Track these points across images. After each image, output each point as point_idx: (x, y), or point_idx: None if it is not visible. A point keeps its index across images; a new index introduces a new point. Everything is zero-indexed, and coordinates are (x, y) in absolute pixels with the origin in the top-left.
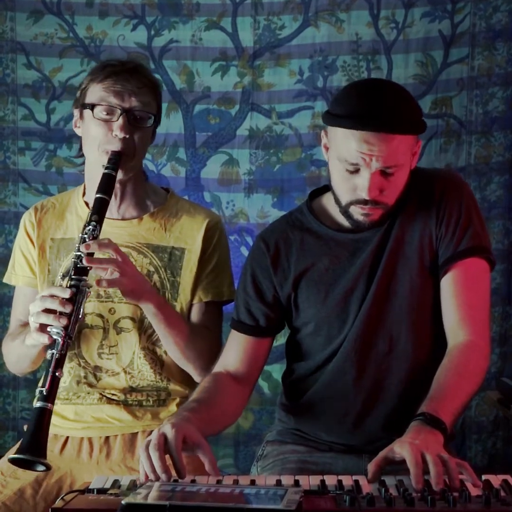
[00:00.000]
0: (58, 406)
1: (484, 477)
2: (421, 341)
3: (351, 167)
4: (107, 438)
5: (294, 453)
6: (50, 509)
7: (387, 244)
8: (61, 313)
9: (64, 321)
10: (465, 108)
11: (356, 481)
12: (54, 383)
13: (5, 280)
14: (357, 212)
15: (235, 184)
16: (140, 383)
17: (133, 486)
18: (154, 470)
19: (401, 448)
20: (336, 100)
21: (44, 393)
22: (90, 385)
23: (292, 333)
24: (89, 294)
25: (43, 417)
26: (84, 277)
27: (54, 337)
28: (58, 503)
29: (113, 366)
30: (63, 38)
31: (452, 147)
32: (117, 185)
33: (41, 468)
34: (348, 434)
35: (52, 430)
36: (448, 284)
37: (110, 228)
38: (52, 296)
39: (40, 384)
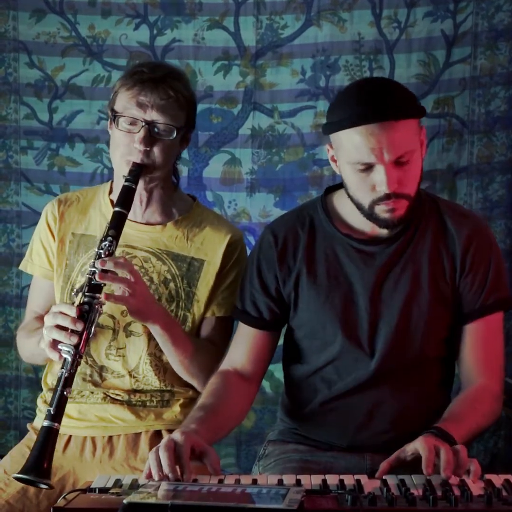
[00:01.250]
0: None
1: (486, 476)
2: (429, 368)
3: (364, 167)
4: (110, 437)
5: (296, 452)
6: (51, 509)
7: (394, 268)
8: (73, 331)
9: (75, 339)
10: (467, 108)
11: (358, 481)
12: (62, 402)
13: (21, 267)
14: (382, 210)
15: (237, 184)
16: (144, 387)
17: (135, 486)
18: (160, 470)
19: (413, 443)
20: (333, 108)
21: (52, 413)
22: (95, 384)
23: (290, 333)
24: (101, 311)
25: (49, 437)
26: (97, 295)
27: (64, 355)
28: (60, 502)
29: (119, 368)
30: (65, 37)
31: (454, 146)
32: (143, 192)
33: (44, 486)
34: (350, 439)
35: None
36: (469, 335)
37: (133, 231)
38: (61, 313)
39: (42, 397)
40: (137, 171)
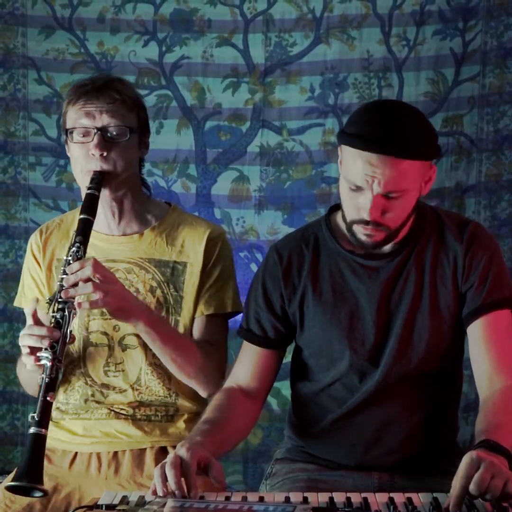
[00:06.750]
0: (67, 422)
1: None
2: (435, 386)
3: (354, 187)
4: (115, 453)
5: (303, 471)
6: None
7: (399, 281)
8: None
9: (46, 342)
10: (476, 126)
11: (365, 498)
12: (45, 407)
13: (15, 303)
14: (360, 232)
15: (246, 201)
16: (148, 398)
17: (142, 502)
18: (166, 486)
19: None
20: (350, 120)
21: (36, 419)
22: (98, 402)
23: (297, 352)
24: (75, 315)
25: (37, 443)
26: (70, 299)
27: (43, 361)
28: None
29: (120, 383)
30: (74, 54)
31: (463, 165)
32: (113, 203)
33: (38, 494)
34: (358, 458)
35: (60, 446)
36: (477, 334)
37: (111, 245)
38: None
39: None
40: (98, 178)
